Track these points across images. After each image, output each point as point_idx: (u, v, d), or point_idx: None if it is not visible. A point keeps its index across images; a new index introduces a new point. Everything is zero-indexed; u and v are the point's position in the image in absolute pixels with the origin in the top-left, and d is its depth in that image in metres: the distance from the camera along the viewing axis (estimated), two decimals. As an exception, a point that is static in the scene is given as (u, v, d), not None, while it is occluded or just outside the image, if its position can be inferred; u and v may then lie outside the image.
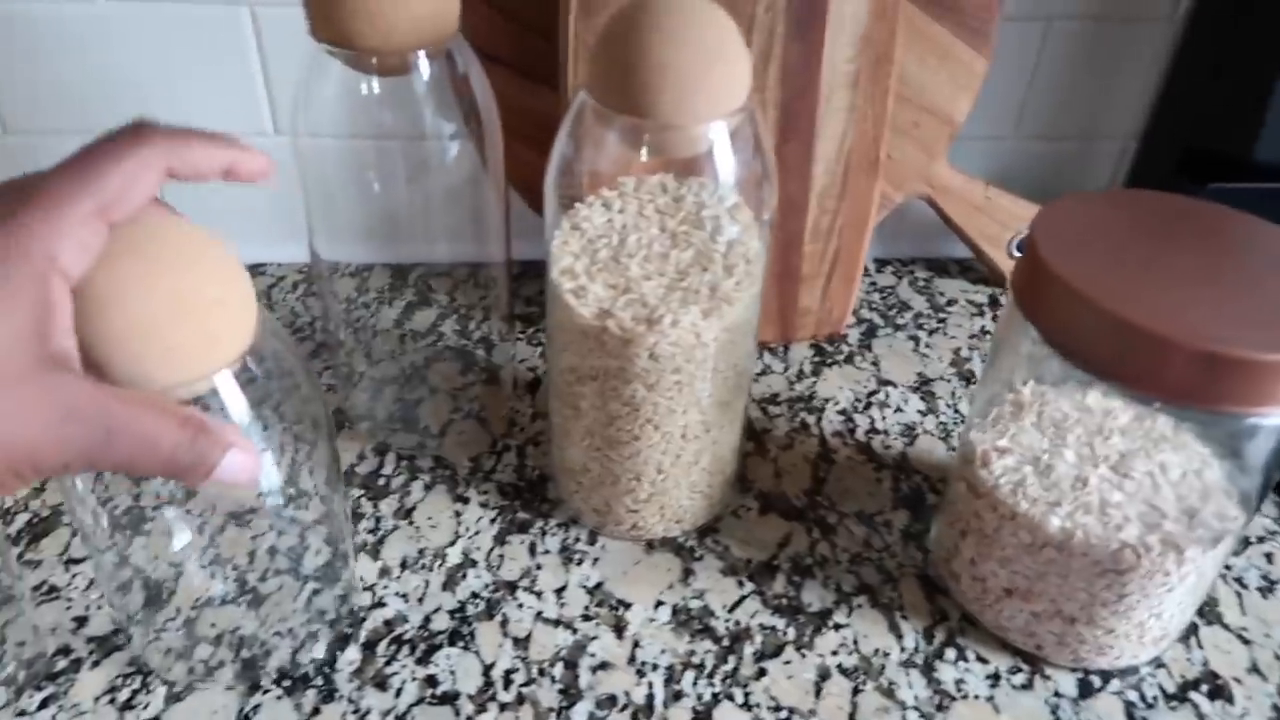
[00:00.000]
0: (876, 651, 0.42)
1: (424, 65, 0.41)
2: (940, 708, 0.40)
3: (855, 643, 0.42)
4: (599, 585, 0.44)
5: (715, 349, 0.39)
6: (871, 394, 0.55)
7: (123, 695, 0.39)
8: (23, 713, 0.38)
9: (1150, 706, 0.40)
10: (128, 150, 0.27)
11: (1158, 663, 0.41)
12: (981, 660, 0.41)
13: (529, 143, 0.56)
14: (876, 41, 0.50)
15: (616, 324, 0.38)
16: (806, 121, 0.51)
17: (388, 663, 0.40)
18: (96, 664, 0.40)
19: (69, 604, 0.42)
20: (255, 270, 0.63)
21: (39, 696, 0.39)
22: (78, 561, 0.44)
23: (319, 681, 0.40)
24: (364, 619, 0.42)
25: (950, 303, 0.62)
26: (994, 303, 0.62)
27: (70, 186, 0.26)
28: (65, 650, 0.41)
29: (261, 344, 0.33)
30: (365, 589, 0.43)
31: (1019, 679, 0.41)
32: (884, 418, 0.53)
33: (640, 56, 0.34)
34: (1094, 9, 0.58)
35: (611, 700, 0.40)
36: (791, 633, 0.42)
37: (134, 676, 0.40)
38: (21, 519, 0.46)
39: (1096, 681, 0.41)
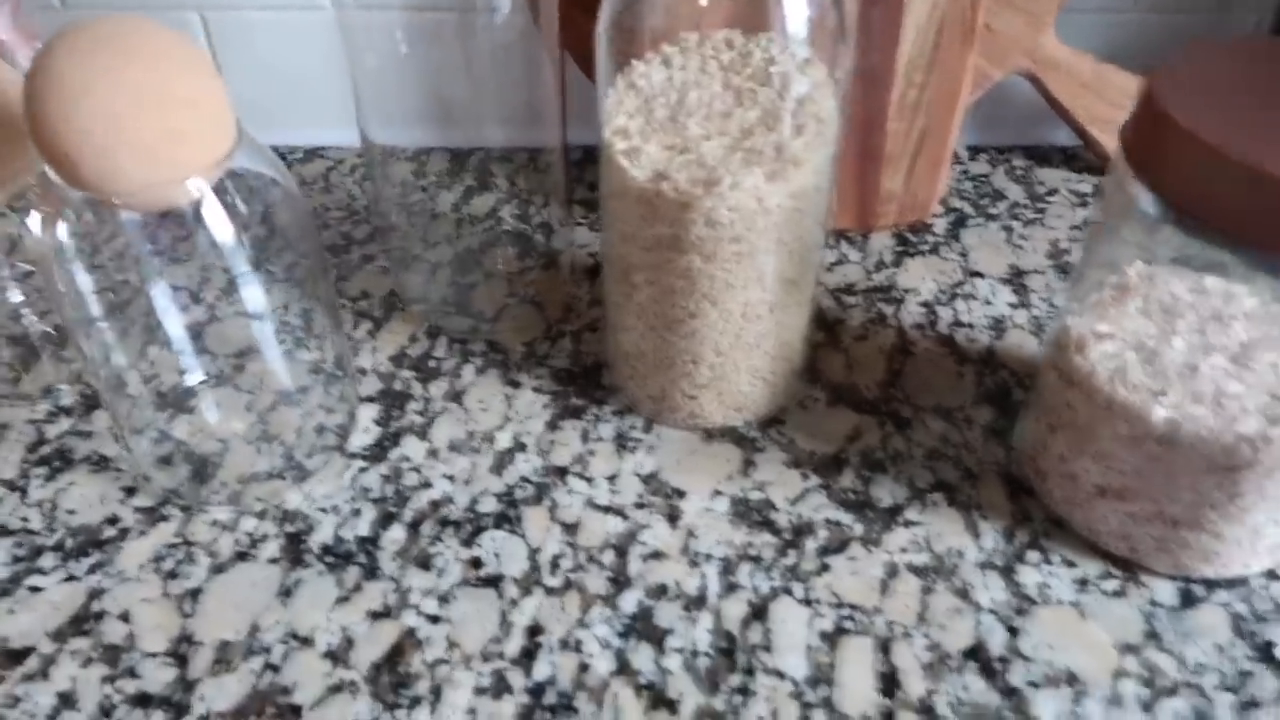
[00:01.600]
0: (950, 551, 0.39)
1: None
2: (1020, 612, 0.36)
3: (928, 541, 0.39)
4: (654, 474, 0.42)
5: (780, 218, 0.36)
6: (957, 285, 0.51)
7: (167, 565, 0.38)
8: (71, 577, 0.38)
9: (1261, 620, 0.36)
10: None
11: (1272, 574, 0.37)
12: (1068, 564, 0.38)
13: (591, 9, 0.53)
14: (977, -114, 0.45)
15: (671, 186, 0.35)
16: (895, -20, 0.46)
17: (431, 543, 0.39)
18: (143, 534, 0.40)
19: (117, 475, 0.42)
20: (314, 153, 0.61)
21: (86, 562, 0.39)
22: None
23: (362, 559, 0.39)
24: (408, 499, 0.41)
25: (1051, 193, 0.57)
26: (1099, 192, 0.57)
27: None
28: (113, 519, 0.40)
29: (244, 164, 0.33)
30: (411, 469, 0.42)
31: (1110, 585, 0.37)
32: (970, 310, 0.49)
33: None
34: None
35: (662, 590, 0.37)
36: (859, 529, 0.39)
37: (180, 548, 0.39)
38: (74, 391, 0.45)
39: (1199, 591, 0.37)
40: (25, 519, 0.40)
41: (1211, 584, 0.37)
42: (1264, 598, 0.37)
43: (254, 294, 0.37)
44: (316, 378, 0.46)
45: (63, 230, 0.35)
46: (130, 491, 0.41)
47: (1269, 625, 0.36)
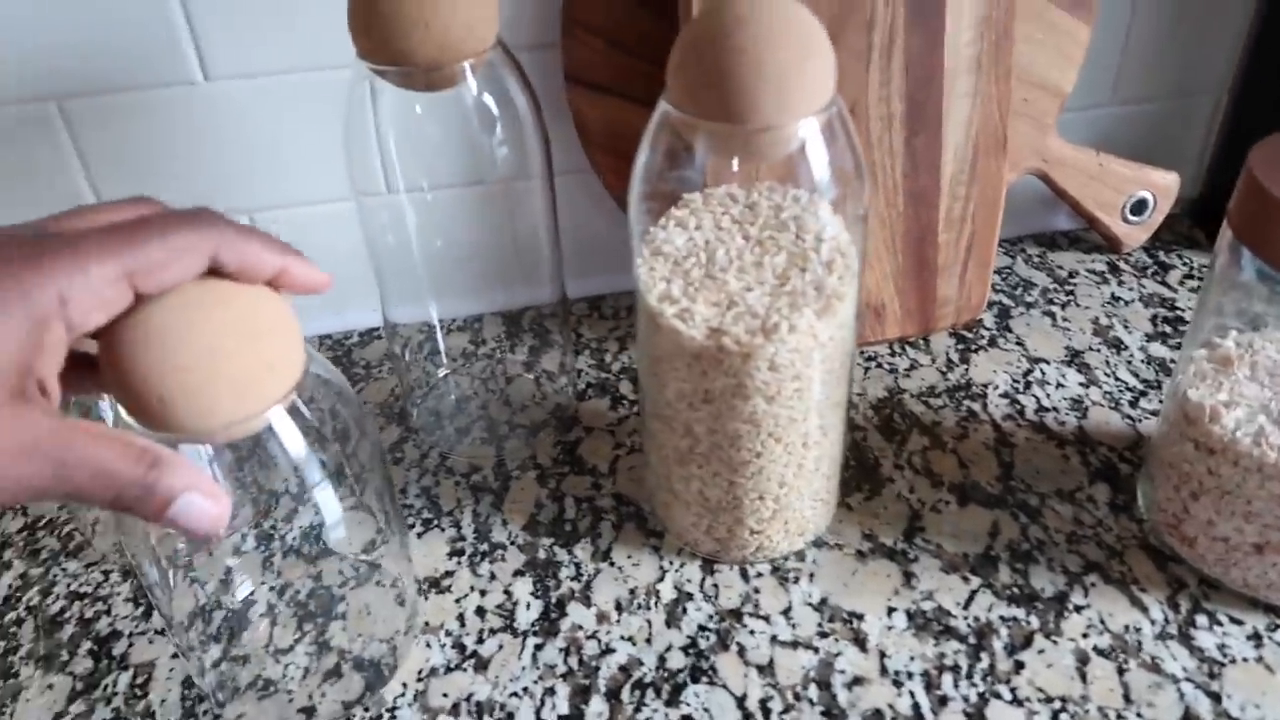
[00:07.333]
0: (1127, 628, 0.41)
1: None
2: (1213, 676, 0.38)
3: (1103, 622, 0.41)
4: (824, 600, 0.43)
5: (831, 349, 0.38)
6: (1027, 373, 0.54)
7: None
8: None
9: None
10: (176, 229, 0.27)
11: None
12: (1236, 621, 0.40)
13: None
14: (996, 21, 0.50)
15: (732, 340, 0.37)
16: (933, 110, 0.51)
17: (637, 709, 0.39)
18: (338, 753, 0.38)
19: (290, 696, 0.40)
20: (372, 335, 0.62)
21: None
22: (285, 651, 0.42)
23: (573, 739, 0.38)
24: (596, 668, 0.41)
25: (1072, 275, 0.62)
26: (1114, 269, 0.62)
27: (107, 244, 0.26)
28: (300, 744, 0.39)
29: (308, 379, 0.32)
30: (589, 637, 0.42)
31: (1280, 635, 0.40)
32: (1047, 395, 0.53)
33: (735, 58, 0.33)
34: (1179, -34, 0.58)
35: (878, 715, 0.38)
36: (1035, 621, 0.41)
37: (381, 761, 0.38)
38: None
39: (1361, 625, 0.40)
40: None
41: (1366, 616, 0.40)
42: None
43: (328, 500, 0.37)
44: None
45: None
46: (309, 711, 0.40)
47: None
